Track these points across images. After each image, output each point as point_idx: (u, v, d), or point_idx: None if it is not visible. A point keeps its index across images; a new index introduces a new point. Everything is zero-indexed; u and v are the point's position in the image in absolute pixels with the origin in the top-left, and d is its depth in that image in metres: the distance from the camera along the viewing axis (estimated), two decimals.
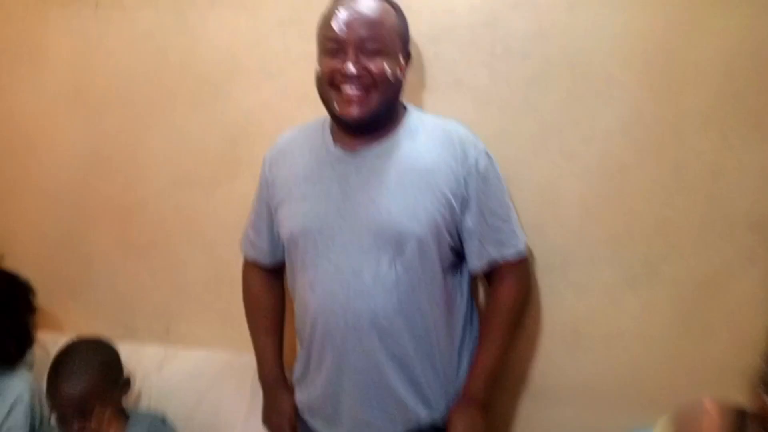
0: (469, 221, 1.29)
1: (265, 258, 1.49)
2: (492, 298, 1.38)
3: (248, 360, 1.56)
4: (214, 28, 1.62)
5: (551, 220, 1.45)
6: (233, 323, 1.68)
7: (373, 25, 1.21)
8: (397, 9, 1.28)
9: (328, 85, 1.24)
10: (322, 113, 1.34)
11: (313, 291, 1.30)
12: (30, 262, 1.86)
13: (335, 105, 1.24)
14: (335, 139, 1.32)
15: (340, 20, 1.20)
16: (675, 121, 1.34)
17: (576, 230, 1.44)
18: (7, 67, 1.81)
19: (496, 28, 1.41)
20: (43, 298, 1.77)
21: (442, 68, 1.46)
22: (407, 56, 1.30)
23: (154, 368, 1.72)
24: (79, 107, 1.77)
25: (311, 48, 1.45)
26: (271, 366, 1.49)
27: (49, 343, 1.76)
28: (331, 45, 1.22)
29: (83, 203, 1.83)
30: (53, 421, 1.47)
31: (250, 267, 1.54)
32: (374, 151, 1.28)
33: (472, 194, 1.28)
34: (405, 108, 1.35)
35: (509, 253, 1.32)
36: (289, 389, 1.46)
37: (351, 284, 1.25)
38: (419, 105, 1.43)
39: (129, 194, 1.78)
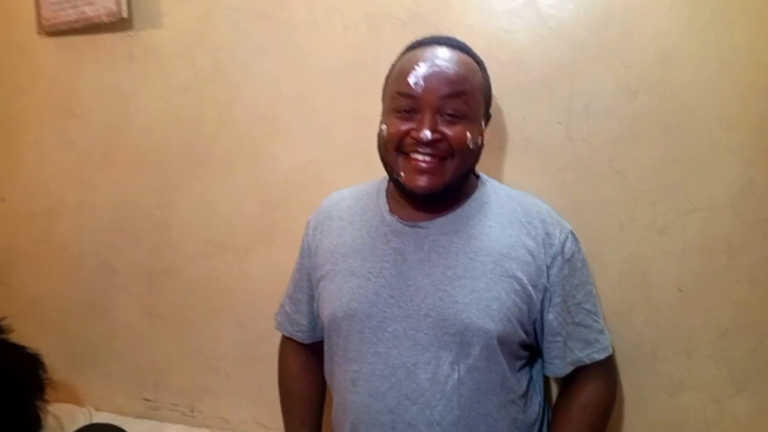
0: (552, 317, 1.01)
1: (303, 335, 1.22)
2: (570, 401, 1.08)
3: None
4: (254, 83, 1.40)
5: (640, 306, 1.16)
6: (265, 405, 1.45)
7: (457, 83, 0.96)
8: (482, 64, 1.04)
9: (395, 149, 0.99)
10: (372, 177, 1.11)
11: (355, 388, 1.02)
12: (49, 330, 1.68)
13: (401, 172, 0.99)
14: (392, 208, 1.07)
15: (418, 75, 0.95)
16: None
17: (670, 318, 1.15)
18: (37, 122, 1.62)
19: (575, 83, 1.15)
20: (61, 368, 1.56)
21: (510, 127, 1.21)
22: (488, 119, 1.06)
23: None
24: (108, 166, 1.56)
25: (361, 104, 1.26)
26: None
27: (64, 417, 1.53)
28: (403, 103, 0.97)
29: (108, 268, 1.61)
30: None
31: (286, 344, 1.28)
32: (438, 224, 1.02)
33: (556, 285, 1.00)
34: (477, 177, 1.09)
35: (598, 355, 1.04)
36: None
37: (403, 385, 0.98)
38: (481, 168, 1.17)
39: (157, 259, 1.56)
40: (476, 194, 1.05)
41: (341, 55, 1.31)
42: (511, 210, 1.03)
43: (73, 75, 1.55)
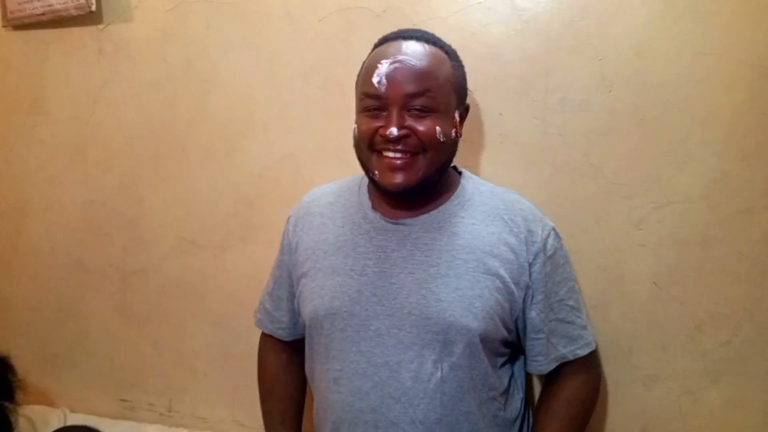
0: (535, 314, 0.99)
1: (284, 332, 1.18)
2: (554, 396, 1.05)
3: None
4: (227, 78, 1.35)
5: (617, 300, 1.15)
6: (244, 404, 1.42)
7: (422, 77, 0.92)
8: (452, 54, 0.99)
9: (367, 148, 0.95)
10: (348, 171, 1.08)
11: (337, 387, 0.99)
12: (21, 331, 1.62)
13: (375, 170, 0.95)
14: (374, 204, 1.03)
15: (381, 74, 0.92)
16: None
17: (646, 312, 1.13)
18: (4, 119, 1.55)
19: (551, 77, 1.13)
20: (33, 370, 1.49)
21: (486, 121, 1.18)
22: (465, 110, 1.01)
23: None
24: (79, 163, 1.50)
25: (336, 99, 1.23)
26: None
27: (38, 419, 1.47)
28: (370, 103, 0.94)
29: (80, 267, 1.55)
30: None
31: (266, 342, 1.23)
32: (421, 221, 0.99)
33: (539, 282, 0.98)
34: (459, 173, 1.06)
35: (581, 350, 1.02)
36: None
37: (386, 384, 0.95)
38: (458, 163, 1.14)
39: (130, 258, 1.50)
40: (458, 191, 1.02)
41: (315, 48, 1.27)
42: (493, 207, 1.00)
43: (41, 70, 1.49)
